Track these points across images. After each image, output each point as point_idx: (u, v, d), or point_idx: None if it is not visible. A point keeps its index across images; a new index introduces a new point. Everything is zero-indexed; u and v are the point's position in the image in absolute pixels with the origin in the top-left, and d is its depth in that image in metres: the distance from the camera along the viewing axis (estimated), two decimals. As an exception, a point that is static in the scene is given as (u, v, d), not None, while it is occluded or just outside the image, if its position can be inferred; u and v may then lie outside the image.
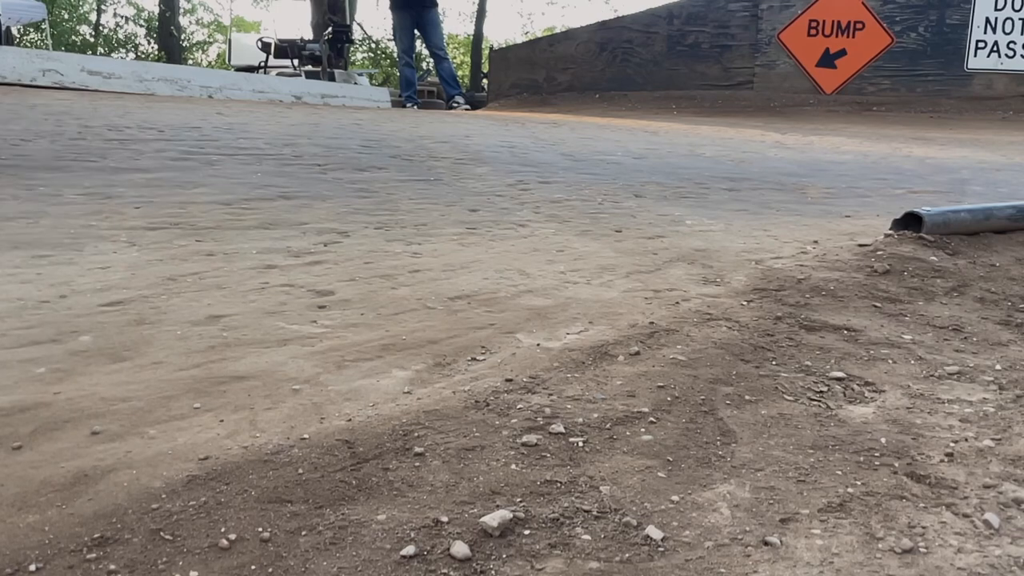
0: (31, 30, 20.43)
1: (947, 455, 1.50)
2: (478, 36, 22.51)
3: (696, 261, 2.85)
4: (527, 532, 1.22)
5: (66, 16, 25.00)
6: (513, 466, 1.39)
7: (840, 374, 1.86)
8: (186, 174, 3.88)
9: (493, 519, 1.21)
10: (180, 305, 2.14)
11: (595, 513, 1.27)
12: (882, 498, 1.35)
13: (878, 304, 2.35)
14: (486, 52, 17.51)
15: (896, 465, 1.46)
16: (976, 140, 7.41)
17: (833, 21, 10.21)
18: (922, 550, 1.21)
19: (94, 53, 21.66)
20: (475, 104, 11.51)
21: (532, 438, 1.47)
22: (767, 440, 1.54)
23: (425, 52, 13.12)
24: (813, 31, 10.27)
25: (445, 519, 1.23)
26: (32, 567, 1.09)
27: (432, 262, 2.70)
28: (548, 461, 1.41)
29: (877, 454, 1.49)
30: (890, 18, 10.09)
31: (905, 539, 1.23)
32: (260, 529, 1.19)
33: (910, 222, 2.97)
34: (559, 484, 1.34)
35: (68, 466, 1.33)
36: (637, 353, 1.90)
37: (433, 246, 2.92)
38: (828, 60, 10.25)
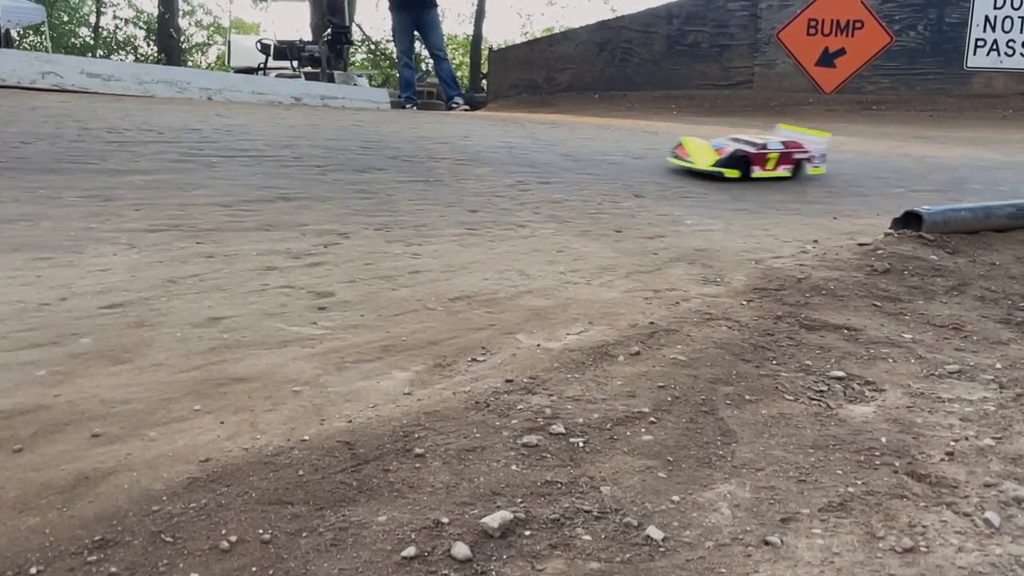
0: (30, 32, 20.42)
1: (947, 454, 1.50)
2: (477, 36, 22.48)
3: (696, 261, 2.85)
4: (528, 533, 1.22)
5: (65, 18, 25.00)
6: (513, 467, 1.39)
7: (840, 373, 1.86)
8: (186, 176, 3.88)
9: (494, 520, 1.22)
10: (180, 307, 2.14)
11: (596, 513, 1.27)
12: (883, 497, 1.35)
13: (878, 303, 2.35)
14: (485, 52, 17.51)
15: (897, 464, 1.46)
16: (976, 138, 7.40)
17: (832, 20, 10.19)
18: (923, 549, 1.21)
19: (93, 55, 21.64)
20: (474, 105, 11.49)
21: (532, 439, 1.48)
22: (767, 440, 1.54)
23: (424, 53, 13.11)
24: (812, 30, 10.25)
25: (446, 520, 1.23)
26: (33, 570, 1.09)
27: (432, 263, 2.70)
28: (548, 462, 1.41)
29: (877, 453, 1.49)
30: (889, 17, 10.09)
31: (906, 538, 1.23)
32: (261, 531, 1.19)
33: (910, 221, 2.97)
34: (559, 485, 1.35)
35: (69, 468, 1.33)
36: (637, 353, 1.90)
37: (433, 247, 2.92)
38: (827, 59, 10.23)
